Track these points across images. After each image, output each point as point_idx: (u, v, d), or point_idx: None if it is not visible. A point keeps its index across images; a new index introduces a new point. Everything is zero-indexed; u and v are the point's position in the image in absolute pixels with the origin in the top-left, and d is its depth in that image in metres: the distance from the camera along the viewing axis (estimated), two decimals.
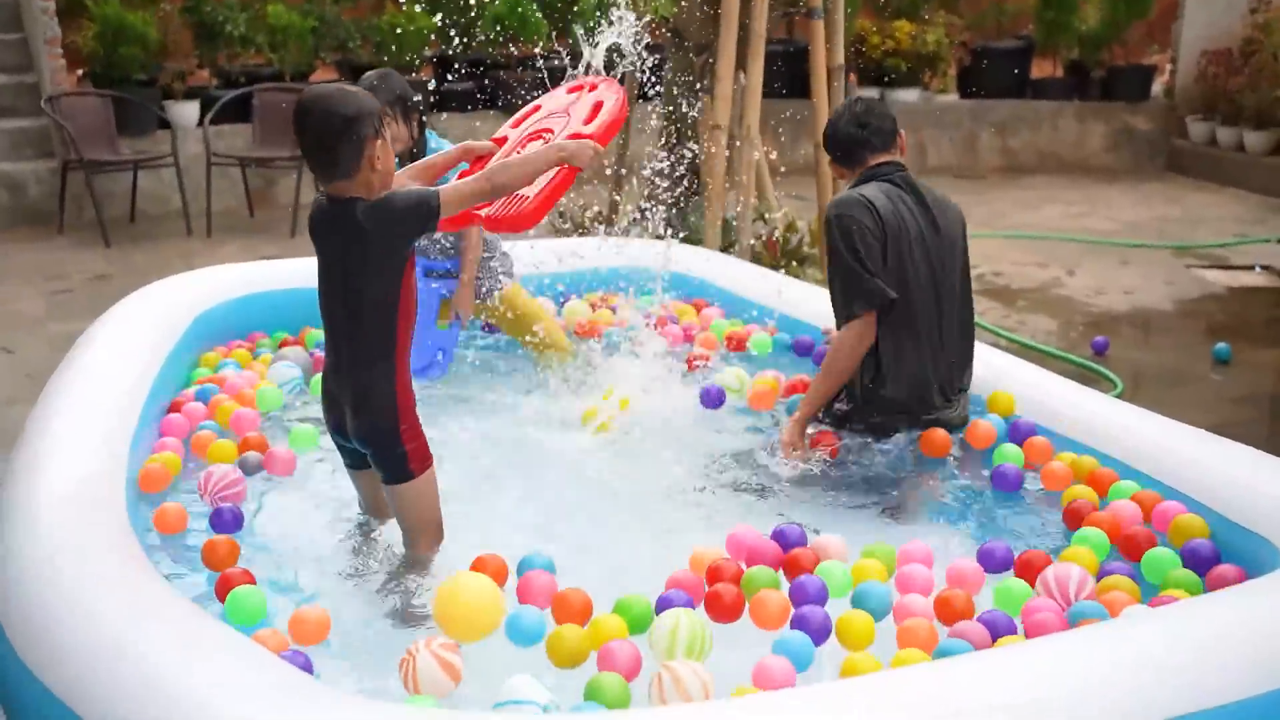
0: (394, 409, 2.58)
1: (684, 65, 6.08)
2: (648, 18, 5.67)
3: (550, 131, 2.89)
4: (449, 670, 2.05)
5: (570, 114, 2.94)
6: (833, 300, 3.36)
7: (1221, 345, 5.48)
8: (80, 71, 9.02)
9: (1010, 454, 3.17)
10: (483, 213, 2.71)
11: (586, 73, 3.37)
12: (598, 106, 2.89)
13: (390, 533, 2.79)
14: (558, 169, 2.67)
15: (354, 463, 2.78)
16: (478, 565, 2.48)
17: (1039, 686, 1.85)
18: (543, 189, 2.67)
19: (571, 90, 3.09)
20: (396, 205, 2.49)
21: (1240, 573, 2.36)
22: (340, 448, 2.75)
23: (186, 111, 8.85)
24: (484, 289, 3.96)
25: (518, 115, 3.14)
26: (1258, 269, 7.20)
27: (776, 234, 5.97)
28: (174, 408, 3.48)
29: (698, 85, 5.92)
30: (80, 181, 8.24)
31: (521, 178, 2.62)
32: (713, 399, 3.70)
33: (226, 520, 2.79)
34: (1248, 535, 2.46)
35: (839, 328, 3.34)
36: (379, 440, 2.60)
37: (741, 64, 5.60)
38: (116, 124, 8.22)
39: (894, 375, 3.28)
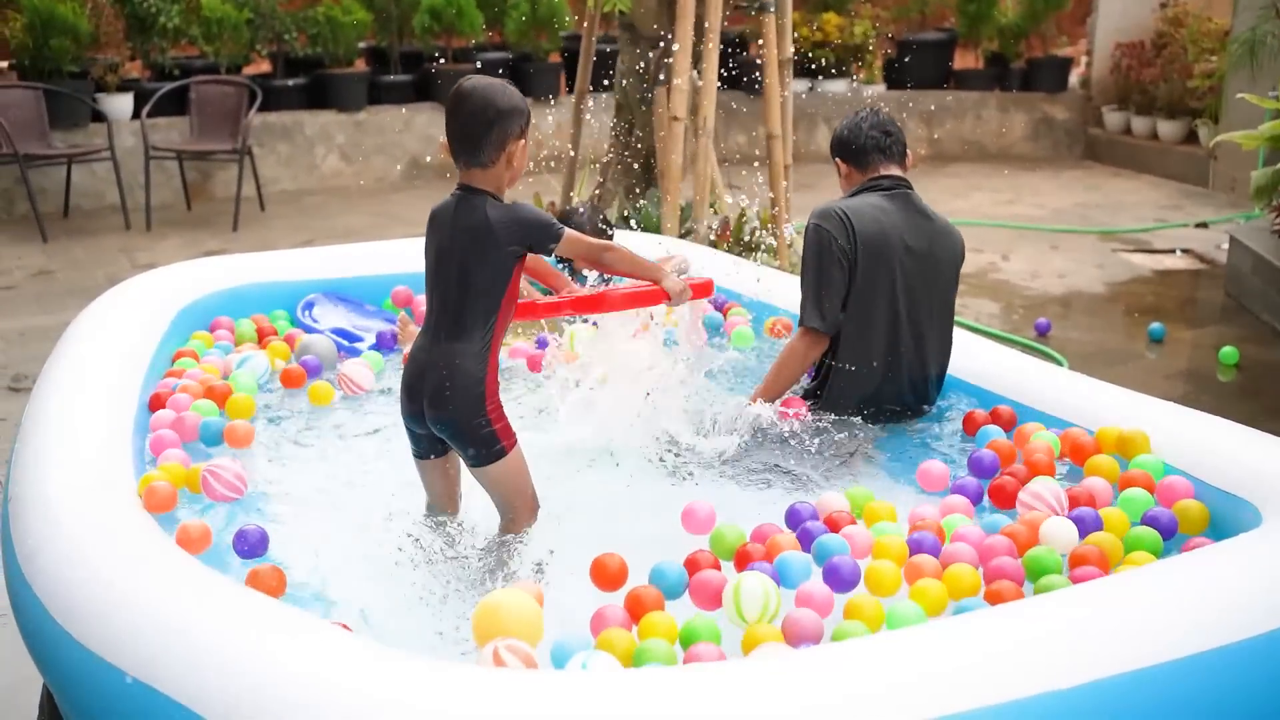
0: (482, 387, 2.65)
1: (637, 58, 6.19)
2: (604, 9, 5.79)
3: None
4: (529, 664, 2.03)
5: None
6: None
7: (1156, 325, 5.76)
8: (7, 63, 8.80)
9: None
10: (568, 297, 2.99)
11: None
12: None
13: (468, 523, 2.81)
14: (652, 284, 2.90)
15: (425, 451, 2.79)
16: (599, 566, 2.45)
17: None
18: (634, 289, 2.92)
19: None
20: (526, 216, 2.64)
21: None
22: (412, 435, 2.78)
23: (120, 104, 8.71)
24: None
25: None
26: (1178, 252, 7.54)
27: (730, 221, 6.10)
28: (154, 403, 3.45)
29: (654, 78, 6.02)
30: (9, 176, 8.08)
31: (627, 270, 2.85)
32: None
33: (253, 543, 2.60)
34: (1229, 498, 2.66)
35: (800, 316, 3.45)
36: (466, 417, 2.64)
37: (696, 58, 5.72)
38: (48, 117, 8.06)
39: (849, 383, 3.38)
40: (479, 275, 2.63)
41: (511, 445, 2.71)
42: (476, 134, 2.61)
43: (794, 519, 2.72)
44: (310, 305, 4.34)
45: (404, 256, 4.70)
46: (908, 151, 3.55)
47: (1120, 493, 2.78)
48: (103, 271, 6.88)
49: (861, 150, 3.49)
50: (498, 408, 2.68)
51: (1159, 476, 2.81)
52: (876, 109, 3.59)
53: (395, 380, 3.93)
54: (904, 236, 3.37)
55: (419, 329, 2.88)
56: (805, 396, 3.53)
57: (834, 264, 3.32)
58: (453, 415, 2.65)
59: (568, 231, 2.69)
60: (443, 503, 2.87)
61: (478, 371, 2.64)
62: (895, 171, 3.49)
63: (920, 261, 3.40)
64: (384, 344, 4.19)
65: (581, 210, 4.21)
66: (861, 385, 3.41)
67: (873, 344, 3.38)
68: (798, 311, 3.48)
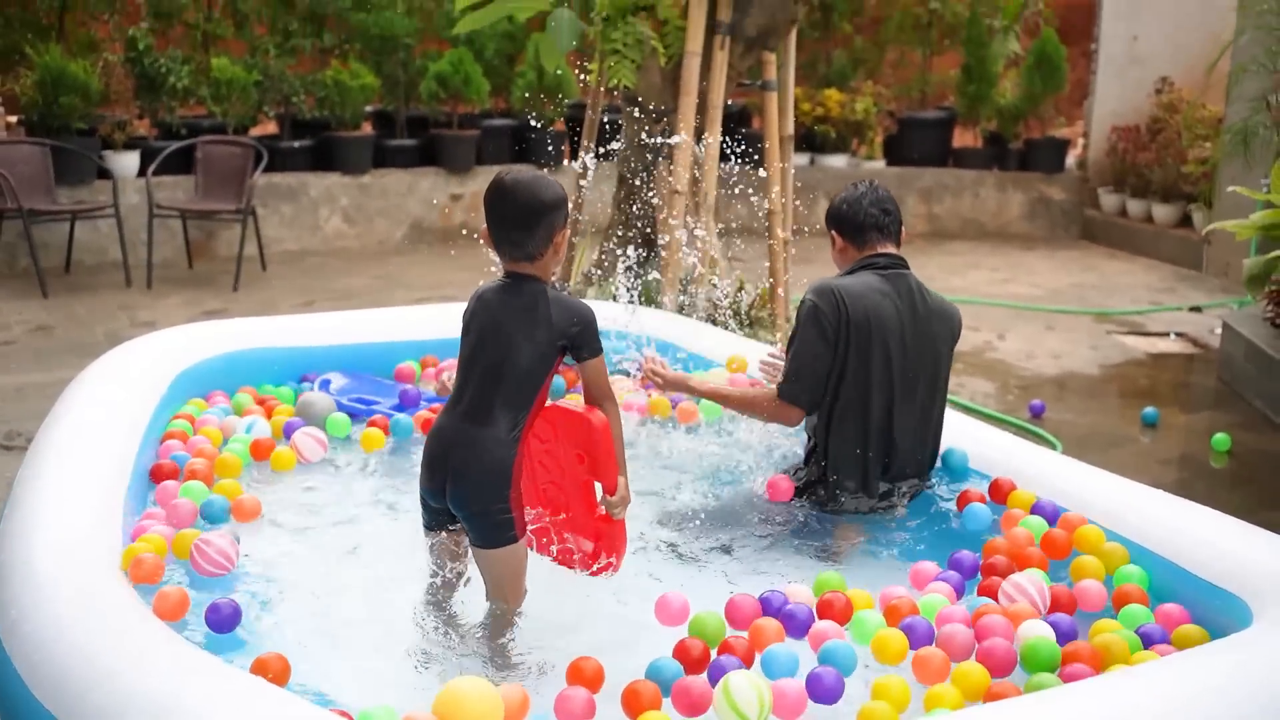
0: (507, 475, 2.67)
1: (640, 130, 6.26)
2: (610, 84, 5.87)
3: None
4: None
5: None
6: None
7: (1149, 410, 5.78)
8: (15, 119, 8.91)
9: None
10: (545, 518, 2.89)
11: None
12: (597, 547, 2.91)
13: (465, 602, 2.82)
14: (590, 524, 2.85)
15: (436, 524, 2.81)
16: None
17: None
18: (601, 541, 2.83)
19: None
20: (583, 312, 2.71)
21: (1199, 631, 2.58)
22: (426, 507, 2.80)
23: (126, 161, 8.79)
24: None
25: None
26: (1173, 336, 7.58)
27: (728, 296, 6.14)
28: (155, 474, 3.45)
29: (656, 151, 6.09)
30: (13, 230, 8.13)
31: (607, 435, 2.77)
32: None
33: (225, 615, 2.56)
34: (1219, 593, 2.66)
35: (777, 382, 3.48)
36: (486, 502, 2.65)
37: (699, 132, 5.80)
38: (54, 172, 8.14)
39: (842, 462, 3.39)
40: (524, 358, 2.66)
41: (522, 534, 2.72)
42: (525, 228, 2.66)
43: (767, 607, 2.71)
44: (326, 383, 4.35)
45: (403, 324, 4.74)
46: (903, 228, 3.59)
47: (1116, 608, 2.76)
48: (102, 329, 6.90)
49: (859, 227, 3.51)
50: (518, 497, 2.71)
51: (1146, 585, 2.81)
52: (875, 183, 3.61)
53: (383, 448, 3.97)
54: (900, 318, 3.39)
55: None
56: (798, 471, 3.55)
57: (822, 344, 3.34)
58: (473, 497, 2.67)
59: (602, 354, 2.76)
60: (447, 577, 2.87)
61: (505, 459, 2.67)
62: (891, 249, 3.52)
63: (916, 342, 3.42)
64: (408, 403, 4.20)
65: (562, 288, 4.25)
66: (855, 464, 3.41)
67: (866, 424, 3.39)
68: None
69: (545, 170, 9.94)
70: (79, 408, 3.49)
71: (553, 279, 2.79)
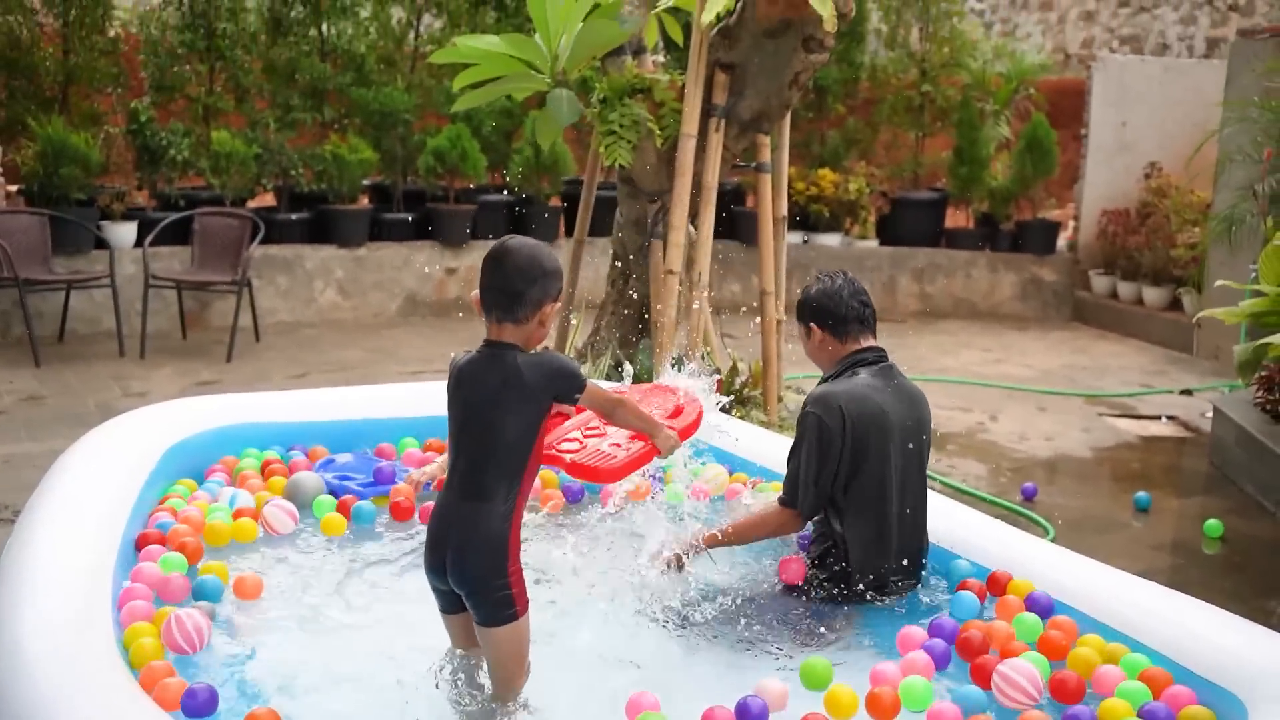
0: (505, 550, 2.67)
1: (635, 209, 6.33)
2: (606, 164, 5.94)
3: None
4: None
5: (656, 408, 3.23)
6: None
7: (1141, 494, 5.77)
8: (15, 188, 8.97)
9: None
10: (567, 459, 3.00)
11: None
12: (677, 411, 3.21)
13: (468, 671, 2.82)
14: (645, 445, 2.98)
15: (449, 606, 2.82)
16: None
17: None
18: (628, 459, 2.98)
19: (662, 390, 3.38)
20: (557, 363, 2.72)
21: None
22: (436, 591, 2.80)
23: (124, 232, 8.84)
24: None
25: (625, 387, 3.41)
26: (1164, 419, 7.60)
27: (720, 376, 6.15)
28: (141, 542, 3.43)
29: (651, 230, 6.15)
30: (8, 299, 8.14)
31: (631, 424, 2.92)
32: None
33: (202, 701, 2.53)
34: (1213, 689, 2.64)
35: (782, 495, 3.49)
36: (486, 578, 2.65)
37: (693, 213, 5.86)
38: (51, 242, 8.18)
39: (859, 559, 3.39)
40: (509, 428, 2.67)
41: (524, 610, 2.72)
42: (517, 290, 2.68)
43: (743, 713, 2.67)
44: (328, 463, 4.34)
45: (393, 400, 4.74)
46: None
47: (1118, 686, 2.74)
48: (94, 399, 6.89)
49: (842, 319, 3.53)
50: (518, 571, 2.71)
51: (1143, 669, 2.79)
52: (848, 274, 3.63)
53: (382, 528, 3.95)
54: (897, 415, 3.43)
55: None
56: (811, 567, 3.52)
57: (826, 456, 3.37)
58: (474, 575, 2.67)
59: (589, 382, 2.76)
60: (464, 645, 2.89)
61: (502, 533, 2.67)
62: (873, 342, 3.56)
63: (908, 435, 3.46)
64: (383, 480, 4.18)
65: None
66: (873, 558, 3.42)
67: (875, 523, 3.41)
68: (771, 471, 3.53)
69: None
70: (68, 483, 3.47)
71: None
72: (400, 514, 3.95)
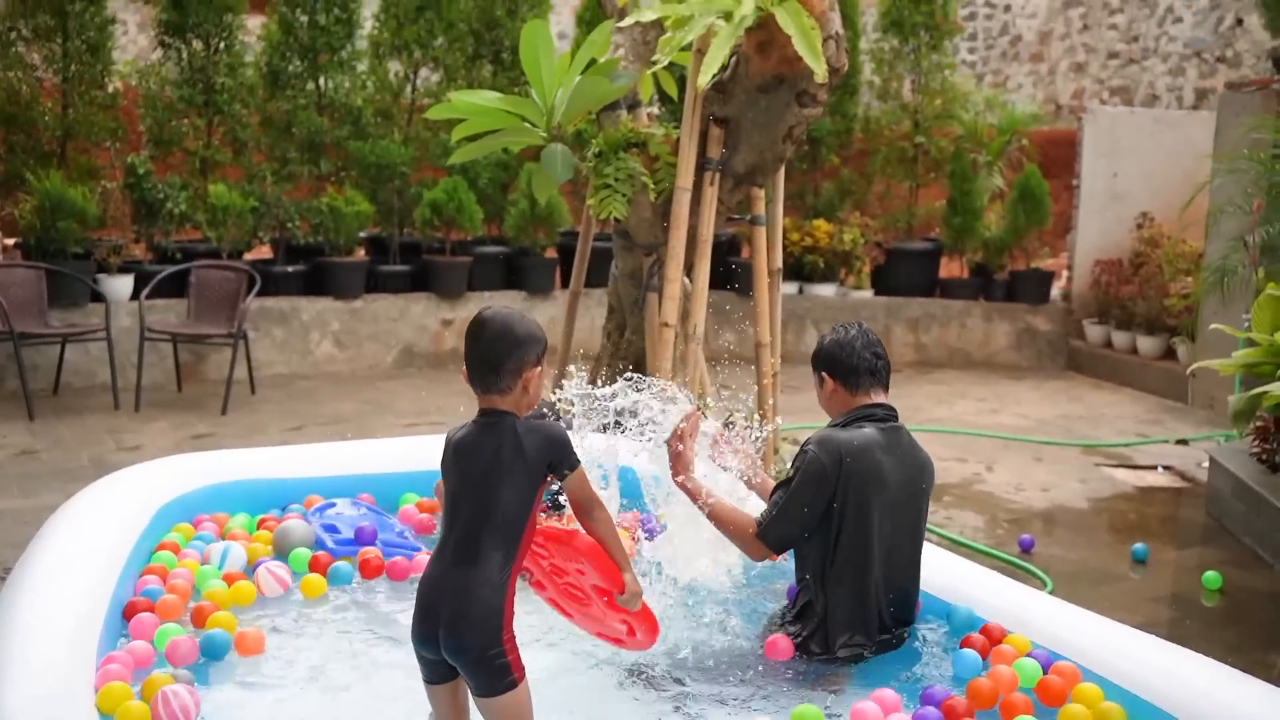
0: (500, 618, 2.65)
1: (630, 263, 6.35)
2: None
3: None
4: None
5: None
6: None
7: (1139, 546, 5.75)
8: (12, 241, 9.00)
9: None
10: (546, 586, 3.07)
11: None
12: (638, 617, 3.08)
13: None
14: (623, 629, 3.06)
15: (436, 677, 2.77)
16: None
17: None
18: (599, 624, 3.06)
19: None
20: (555, 434, 2.73)
21: None
22: (423, 660, 2.76)
23: (120, 285, 8.86)
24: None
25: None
26: (1160, 469, 7.59)
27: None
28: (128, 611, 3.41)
29: (646, 283, 6.17)
30: (3, 353, 8.14)
31: (602, 536, 2.87)
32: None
33: None
34: None
35: (760, 517, 3.46)
36: (482, 648, 2.62)
37: (688, 265, 5.88)
38: (48, 295, 8.20)
39: (839, 618, 3.37)
40: (506, 495, 2.67)
41: (521, 677, 2.69)
42: (495, 361, 2.70)
43: None
44: (328, 505, 4.32)
45: (389, 455, 4.72)
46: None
47: None
48: (87, 453, 6.87)
49: (854, 370, 3.53)
50: (513, 639, 2.68)
51: None
52: (864, 326, 3.64)
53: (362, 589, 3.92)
54: (897, 475, 3.41)
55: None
56: (789, 624, 3.50)
57: (815, 498, 3.35)
58: (468, 645, 2.63)
59: (581, 465, 2.77)
60: None
61: (496, 601, 2.65)
62: (884, 399, 3.55)
63: (907, 497, 3.44)
64: (364, 540, 4.15)
65: (545, 410, 4.22)
66: (853, 617, 3.39)
67: (864, 579, 3.38)
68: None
69: (529, 301, 10.06)
70: (56, 546, 3.45)
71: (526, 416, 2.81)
72: (369, 572, 3.92)
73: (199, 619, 3.39)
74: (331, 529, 4.20)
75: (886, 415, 3.50)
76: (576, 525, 2.98)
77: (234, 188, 9.41)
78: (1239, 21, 13.11)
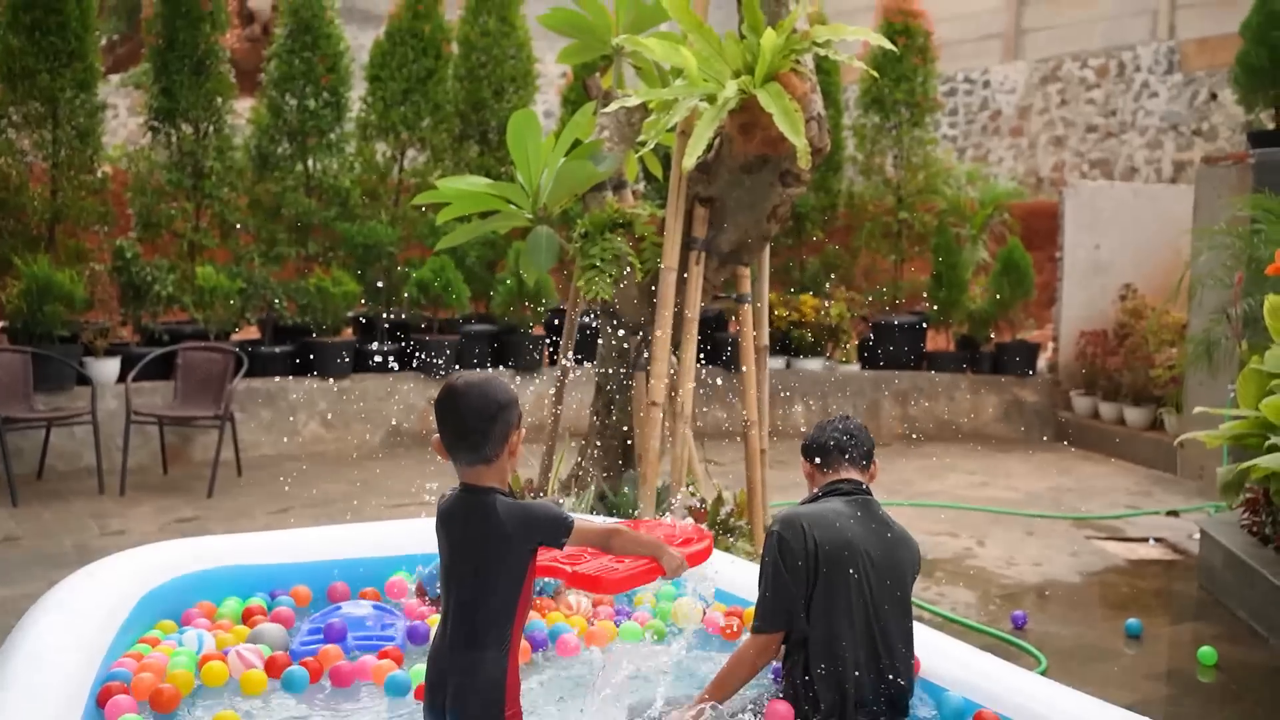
0: (501, 692, 2.65)
1: (617, 341, 6.36)
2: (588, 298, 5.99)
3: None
4: None
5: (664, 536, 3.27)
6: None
7: (1133, 621, 5.70)
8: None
9: None
10: (569, 569, 2.99)
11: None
12: (687, 541, 3.25)
13: None
14: (649, 563, 2.97)
15: None
16: None
17: None
18: (630, 571, 2.97)
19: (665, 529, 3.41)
20: (539, 513, 2.69)
21: None
22: None
23: (106, 368, 8.84)
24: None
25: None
26: (1152, 541, 7.56)
27: (705, 506, 6.12)
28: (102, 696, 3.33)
29: (633, 362, 6.17)
30: None
31: (631, 551, 2.92)
32: None
33: None
34: None
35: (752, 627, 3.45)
36: (486, 718, 2.63)
37: (675, 343, 5.89)
38: (34, 379, 8.16)
39: (822, 689, 3.33)
40: (495, 579, 2.66)
41: None
42: (480, 430, 2.67)
43: None
44: (333, 610, 4.24)
45: (376, 538, 4.68)
46: (873, 461, 3.61)
47: None
48: (70, 540, 6.79)
49: (823, 449, 3.57)
50: (517, 714, 2.68)
51: None
52: (848, 416, 3.70)
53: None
54: (865, 544, 3.39)
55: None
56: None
57: (788, 573, 3.33)
58: (474, 717, 2.64)
59: (577, 523, 2.73)
60: None
61: (497, 676, 2.65)
62: (855, 476, 3.56)
63: (881, 569, 3.41)
64: (332, 638, 4.00)
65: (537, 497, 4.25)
66: (834, 692, 3.34)
67: (841, 651, 3.34)
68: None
69: (515, 375, 10.05)
70: (34, 640, 3.39)
71: (508, 483, 2.79)
72: (315, 676, 3.72)
73: (169, 706, 3.31)
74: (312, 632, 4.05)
75: (852, 488, 3.51)
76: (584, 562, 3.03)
77: (221, 269, 9.44)
78: (1213, 96, 13.35)
